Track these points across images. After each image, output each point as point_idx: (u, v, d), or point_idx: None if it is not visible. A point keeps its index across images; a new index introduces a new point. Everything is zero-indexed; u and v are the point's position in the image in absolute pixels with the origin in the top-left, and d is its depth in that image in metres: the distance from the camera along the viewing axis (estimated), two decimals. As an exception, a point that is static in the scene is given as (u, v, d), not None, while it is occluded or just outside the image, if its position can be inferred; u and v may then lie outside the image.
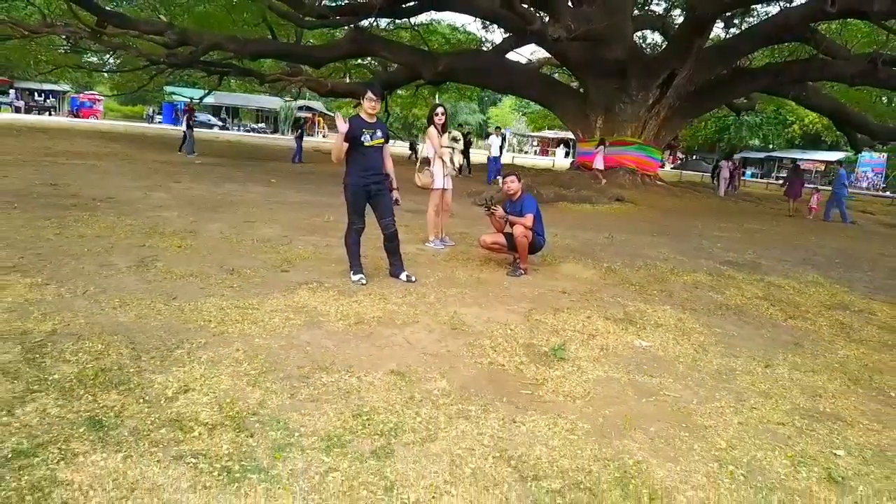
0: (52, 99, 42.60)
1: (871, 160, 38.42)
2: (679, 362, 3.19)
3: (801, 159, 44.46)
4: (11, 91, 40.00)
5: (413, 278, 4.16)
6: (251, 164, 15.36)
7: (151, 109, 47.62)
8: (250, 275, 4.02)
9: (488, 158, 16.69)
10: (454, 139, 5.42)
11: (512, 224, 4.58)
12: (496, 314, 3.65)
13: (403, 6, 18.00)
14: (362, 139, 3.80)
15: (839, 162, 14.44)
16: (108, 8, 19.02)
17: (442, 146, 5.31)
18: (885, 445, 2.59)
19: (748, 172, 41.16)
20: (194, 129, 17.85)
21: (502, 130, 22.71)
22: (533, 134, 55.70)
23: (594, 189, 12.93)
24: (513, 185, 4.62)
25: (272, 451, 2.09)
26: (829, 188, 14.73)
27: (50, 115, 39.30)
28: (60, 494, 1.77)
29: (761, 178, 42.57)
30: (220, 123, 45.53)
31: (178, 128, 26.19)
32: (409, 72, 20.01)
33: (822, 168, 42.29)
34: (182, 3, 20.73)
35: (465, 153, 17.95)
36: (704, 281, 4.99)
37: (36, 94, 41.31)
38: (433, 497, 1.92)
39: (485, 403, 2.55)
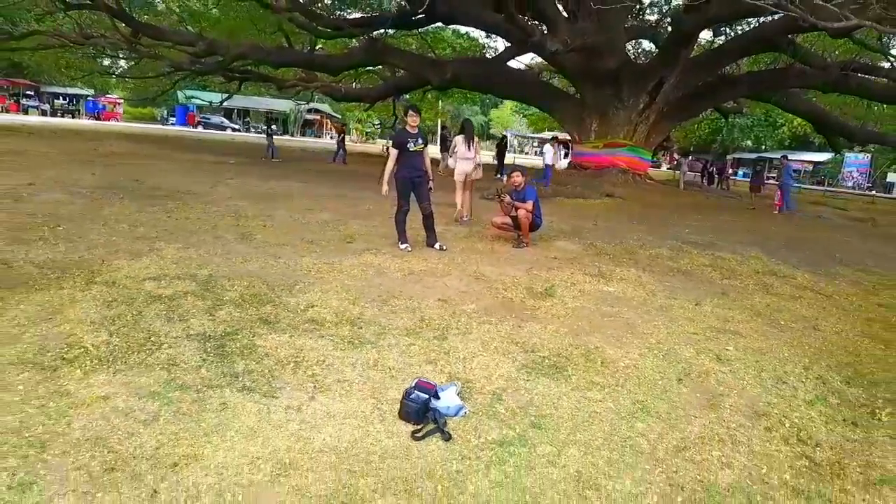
0: (72, 103, 43.99)
1: (856, 160, 39.64)
2: (633, 300, 4.52)
3: (791, 159, 45.68)
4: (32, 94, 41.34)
5: (444, 247, 5.49)
6: (277, 163, 16.65)
7: (165, 111, 48.96)
8: (325, 244, 5.35)
9: (544, 165, 16.83)
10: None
11: (516, 208, 5.89)
12: (505, 270, 4.97)
13: (413, 18, 19.30)
14: (408, 146, 5.14)
15: (785, 157, 15.89)
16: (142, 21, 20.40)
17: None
18: (760, 347, 3.91)
19: (740, 172, 42.41)
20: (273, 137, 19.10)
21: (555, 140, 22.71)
22: (533, 135, 57.00)
23: (588, 186, 14.24)
24: (517, 178, 5.94)
25: (375, 335, 3.42)
26: (817, 186, 16.13)
27: (73, 117, 40.76)
28: (258, 351, 3.11)
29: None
30: (234, 126, 46.72)
31: (193, 129, 27.51)
32: (416, 78, 21.28)
33: (811, 168, 43.47)
34: (211, 17, 21.99)
35: (501, 156, 18.93)
36: (665, 254, 6.30)
37: (61, 97, 42.77)
38: (473, 356, 3.26)
39: (500, 317, 3.88)
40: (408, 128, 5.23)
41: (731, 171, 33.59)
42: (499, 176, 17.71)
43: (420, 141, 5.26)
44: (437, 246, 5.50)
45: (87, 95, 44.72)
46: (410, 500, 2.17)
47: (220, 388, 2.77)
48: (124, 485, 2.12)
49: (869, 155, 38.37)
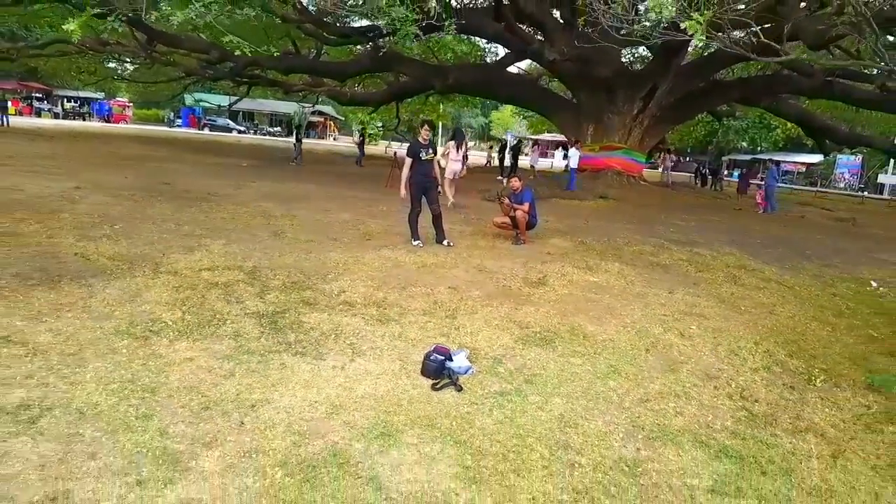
0: (81, 106, 44.66)
1: (848, 162, 40.29)
2: (614, 289, 5.21)
3: (784, 161, 46.34)
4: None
5: (451, 243, 6.18)
6: (288, 165, 17.33)
7: (171, 113, 49.60)
8: (348, 241, 6.05)
9: (570, 169, 16.86)
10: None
11: (515, 209, 6.57)
12: (505, 263, 5.66)
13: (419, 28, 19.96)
14: (421, 155, 5.84)
15: (772, 161, 16.66)
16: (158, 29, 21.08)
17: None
18: (720, 327, 4.60)
19: (735, 173, 43.10)
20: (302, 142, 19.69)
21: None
22: (533, 137, 57.70)
23: (583, 187, 14.92)
24: (515, 183, 6.63)
25: (397, 314, 4.12)
26: (810, 187, 16.82)
27: (84, 120, 41.49)
28: (305, 326, 3.81)
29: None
30: (239, 128, 47.41)
31: (199, 132, 28.16)
32: (420, 83, 21.97)
33: (804, 169, 44.13)
34: (227, 26, 22.61)
35: (514, 160, 19.25)
36: (648, 250, 6.98)
37: (72, 101, 43.51)
38: (478, 331, 3.95)
39: (500, 301, 4.57)
40: (420, 139, 5.93)
41: (725, 172, 34.26)
42: (500, 178, 18.41)
43: (431, 151, 5.96)
44: (445, 242, 6.19)
45: (97, 98, 45.43)
46: (432, 431, 2.87)
47: (278, 353, 3.47)
48: (218, 418, 2.82)
49: (860, 156, 39.01)
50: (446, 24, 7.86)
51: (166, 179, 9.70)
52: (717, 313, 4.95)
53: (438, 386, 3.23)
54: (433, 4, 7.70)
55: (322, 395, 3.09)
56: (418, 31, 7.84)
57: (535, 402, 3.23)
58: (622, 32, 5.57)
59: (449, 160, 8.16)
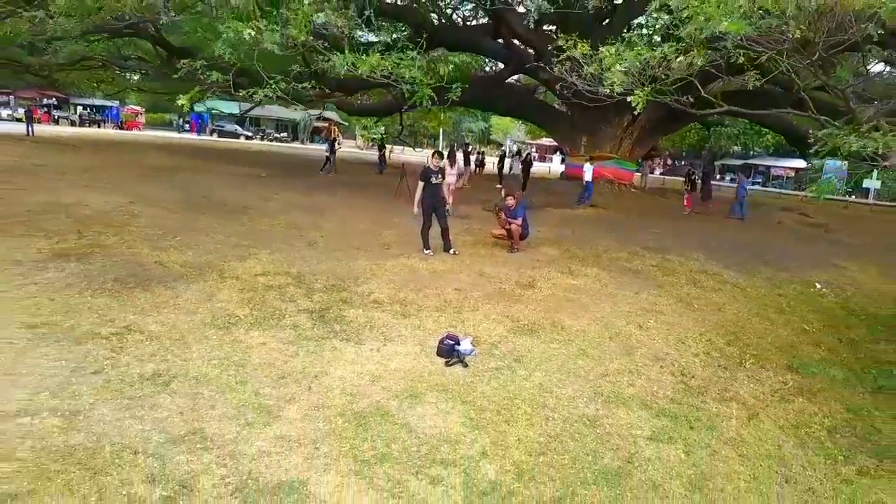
0: (95, 113, 45.63)
1: (835, 167, 41.27)
2: (590, 290, 6.27)
3: (775, 166, 47.41)
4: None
5: (456, 252, 7.23)
6: (304, 176, 18.28)
7: (181, 119, 50.42)
8: (370, 250, 7.11)
9: (586, 182, 16.71)
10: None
11: (510, 223, 7.63)
12: (501, 269, 6.72)
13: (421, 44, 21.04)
14: (431, 179, 6.91)
15: (741, 172, 17.67)
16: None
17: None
18: (673, 321, 5.65)
19: (728, 177, 44.20)
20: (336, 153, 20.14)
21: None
22: (531, 142, 58.82)
23: (575, 196, 15.97)
24: (510, 201, 7.69)
25: (416, 310, 5.19)
26: (798, 192, 17.73)
27: (99, 126, 42.57)
28: (346, 319, 4.88)
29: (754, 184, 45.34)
30: (247, 133, 48.31)
31: (208, 138, 29.16)
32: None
33: (793, 174, 45.14)
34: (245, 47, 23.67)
35: (526, 172, 19.27)
36: (624, 257, 8.02)
37: (88, 108, 44.61)
38: (479, 323, 5.01)
39: (497, 300, 5.63)
40: (432, 166, 7.00)
41: (718, 176, 35.27)
42: (499, 185, 19.45)
43: (440, 176, 7.02)
44: (451, 251, 7.24)
45: (110, 106, 46.45)
46: (446, 394, 3.93)
47: (328, 339, 4.53)
48: (292, 384, 3.89)
49: (846, 162, 39.89)
50: (454, 86, 8.90)
51: (202, 192, 10.74)
52: (673, 310, 6.00)
53: (450, 363, 4.30)
54: (447, 69, 8.67)
55: (364, 369, 4.16)
56: (433, 94, 8.84)
57: (521, 374, 4.30)
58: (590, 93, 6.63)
59: (446, 174, 9.37)
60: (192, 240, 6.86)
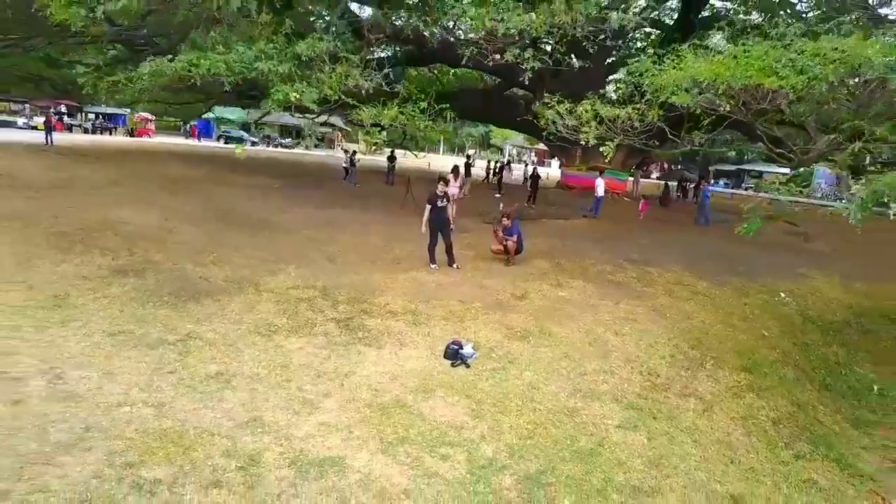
0: (103, 120, 46.39)
1: (825, 174, 42.13)
2: (576, 301, 7.12)
3: (767, 172, 48.21)
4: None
5: (459, 267, 8.08)
6: (315, 186, 19.06)
7: (189, 125, 51.18)
8: (383, 265, 7.97)
9: (596, 197, 16.90)
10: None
11: (507, 241, 8.50)
12: (498, 281, 7.58)
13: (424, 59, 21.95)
14: (438, 203, 7.79)
15: (706, 181, 18.40)
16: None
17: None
18: (645, 328, 6.50)
19: (721, 182, 45.13)
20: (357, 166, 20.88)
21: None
22: (531, 147, 59.70)
23: (570, 206, 16.85)
24: (506, 221, 8.58)
25: (425, 319, 6.05)
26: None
27: (111, 134, 43.47)
28: (367, 327, 5.75)
29: (732, 188, 46.22)
30: (253, 139, 49.07)
31: (216, 144, 29.88)
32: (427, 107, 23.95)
33: (785, 180, 45.85)
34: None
35: (534, 187, 19.50)
36: (608, 269, 8.87)
37: (99, 116, 45.53)
38: (479, 330, 5.87)
39: (494, 310, 6.48)
40: (438, 191, 7.88)
41: (713, 181, 36.07)
42: (498, 195, 20.31)
43: (445, 200, 7.90)
44: (454, 266, 8.10)
45: (120, 114, 47.29)
46: (451, 390, 4.79)
47: (354, 344, 5.39)
48: (327, 381, 4.75)
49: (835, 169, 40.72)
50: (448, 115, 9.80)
51: (224, 206, 11.57)
52: (647, 318, 6.86)
53: (455, 364, 5.16)
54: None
55: (385, 369, 5.01)
56: (440, 137, 9.77)
57: (514, 374, 5.15)
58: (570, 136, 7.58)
59: (449, 187, 10.30)
60: (227, 255, 7.72)
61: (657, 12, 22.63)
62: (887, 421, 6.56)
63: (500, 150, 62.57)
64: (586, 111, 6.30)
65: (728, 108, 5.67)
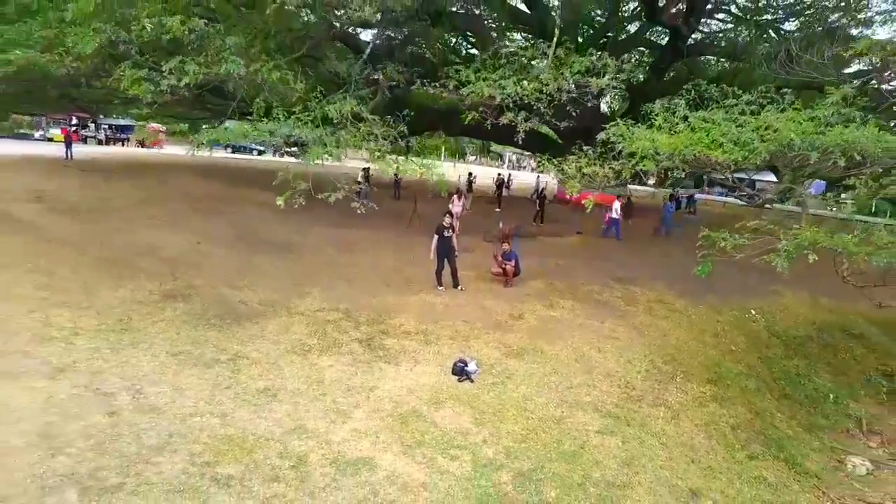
0: (115, 131, 47.28)
1: (815, 183, 43.14)
2: (565, 321, 8.02)
3: (761, 180, 49.05)
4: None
5: (463, 288, 9.00)
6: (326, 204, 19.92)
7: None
8: (396, 287, 8.89)
9: (610, 218, 16.83)
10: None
11: (505, 265, 9.42)
12: (498, 303, 8.49)
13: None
14: (443, 234, 8.71)
15: (665, 197, 19.22)
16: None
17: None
18: (625, 345, 7.39)
19: (716, 190, 46.00)
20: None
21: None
22: (531, 154, 60.60)
23: (565, 222, 17.76)
24: (506, 246, 9.50)
25: (435, 339, 6.96)
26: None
27: (123, 145, 44.47)
28: (386, 346, 6.66)
29: (725, 196, 46.99)
30: (259, 148, 49.89)
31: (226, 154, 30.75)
32: (430, 125, 24.87)
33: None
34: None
35: (541, 206, 19.51)
36: (596, 289, 9.77)
37: (111, 127, 46.58)
38: (481, 349, 6.77)
39: (494, 330, 7.38)
40: (444, 224, 8.82)
41: (707, 189, 36.92)
42: (498, 210, 21.19)
43: (450, 231, 8.84)
44: (459, 288, 9.02)
45: (132, 125, 48.26)
46: (458, 401, 5.69)
47: (376, 362, 6.30)
48: (356, 394, 5.65)
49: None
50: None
51: (248, 228, 12.46)
52: (627, 337, 7.76)
53: (461, 380, 6.06)
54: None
55: (403, 384, 5.92)
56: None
57: (510, 387, 6.06)
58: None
59: (453, 204, 11.24)
60: (258, 280, 8.63)
61: (631, 75, 23.44)
62: (838, 426, 7.47)
63: (500, 156, 63.38)
64: (569, 168, 7.28)
65: (684, 171, 6.61)
